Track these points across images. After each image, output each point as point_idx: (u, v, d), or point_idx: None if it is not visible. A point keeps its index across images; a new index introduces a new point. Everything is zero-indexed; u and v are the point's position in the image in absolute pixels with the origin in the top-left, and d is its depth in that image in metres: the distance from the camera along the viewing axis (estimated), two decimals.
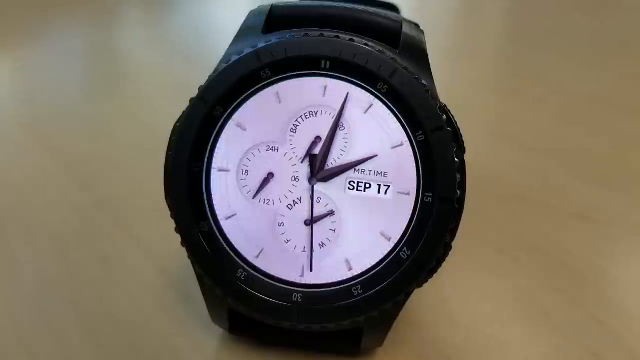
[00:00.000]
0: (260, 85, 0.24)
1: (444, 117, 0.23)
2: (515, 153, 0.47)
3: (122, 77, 0.66)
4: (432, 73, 0.25)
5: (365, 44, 0.23)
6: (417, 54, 0.24)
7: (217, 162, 0.25)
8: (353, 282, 0.24)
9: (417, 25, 0.26)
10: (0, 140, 0.49)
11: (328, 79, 0.24)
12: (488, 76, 0.69)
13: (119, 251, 0.34)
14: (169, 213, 0.38)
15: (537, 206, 0.40)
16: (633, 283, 0.33)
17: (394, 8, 0.37)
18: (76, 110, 0.55)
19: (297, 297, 0.24)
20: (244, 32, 0.25)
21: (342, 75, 0.24)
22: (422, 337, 0.29)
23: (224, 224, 0.25)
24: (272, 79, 0.24)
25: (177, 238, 0.35)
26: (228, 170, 0.25)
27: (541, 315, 0.30)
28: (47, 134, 0.50)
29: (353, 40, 0.23)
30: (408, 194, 0.24)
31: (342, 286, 0.24)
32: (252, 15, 0.26)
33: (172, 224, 0.37)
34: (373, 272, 0.24)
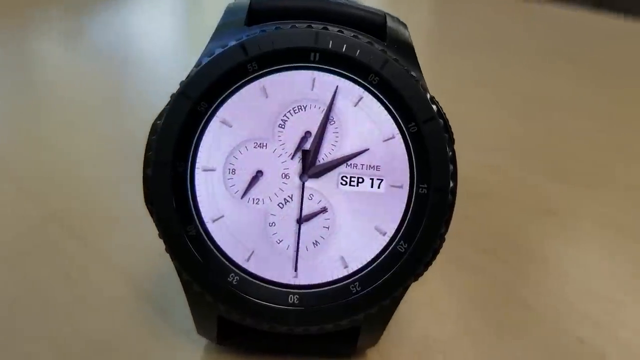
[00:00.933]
0: (246, 79, 0.23)
1: (435, 107, 0.23)
2: (476, 154, 0.48)
3: (49, 87, 0.62)
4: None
5: (355, 36, 0.23)
6: (404, 47, 0.24)
7: (201, 161, 0.23)
8: (350, 280, 0.23)
9: (398, 19, 0.26)
10: None
11: (316, 72, 0.23)
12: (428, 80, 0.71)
13: (80, 266, 0.32)
14: (125, 222, 0.36)
15: (506, 203, 0.41)
16: (605, 270, 0.34)
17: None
18: (9, 121, 0.51)
19: (293, 299, 0.23)
20: (224, 27, 0.24)
21: (330, 68, 0.23)
22: (413, 335, 0.28)
23: (211, 227, 0.23)
24: (258, 73, 0.23)
25: (139, 248, 0.33)
26: (214, 170, 0.23)
27: (524, 306, 0.31)
28: None
29: (342, 32, 0.23)
30: (401, 186, 0.24)
31: (339, 284, 0.24)
32: (231, 10, 0.25)
33: (131, 233, 0.35)
34: (370, 267, 0.24)
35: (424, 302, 0.30)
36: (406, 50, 0.24)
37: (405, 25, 0.26)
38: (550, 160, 0.48)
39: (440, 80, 0.67)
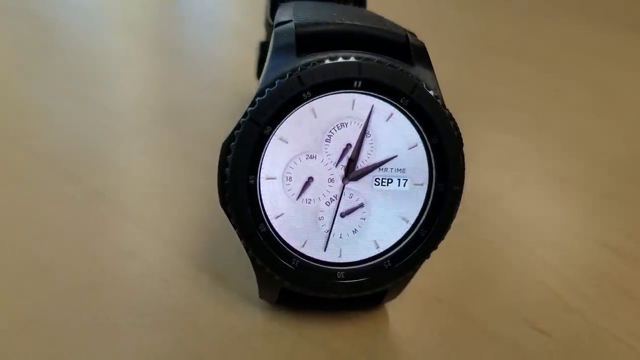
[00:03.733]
0: (300, 104, 0.28)
1: (452, 123, 0.29)
2: None
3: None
4: None
5: (390, 65, 0.28)
6: (425, 62, 0.29)
7: (264, 172, 0.29)
8: (382, 258, 0.30)
9: (414, 35, 0.31)
10: None
11: (356, 94, 0.28)
12: None
13: (137, 243, 0.37)
14: (169, 197, 0.41)
15: (476, 163, 0.48)
16: (564, 224, 0.43)
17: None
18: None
19: (341, 275, 0.30)
20: (278, 53, 0.28)
21: (368, 92, 0.28)
22: (413, 286, 0.36)
23: (274, 222, 0.29)
24: (311, 99, 0.28)
25: (187, 221, 0.39)
26: (274, 178, 0.29)
27: (495, 258, 0.39)
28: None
29: (380, 62, 0.28)
30: (422, 184, 0.30)
31: (374, 262, 0.30)
32: (280, 35, 0.29)
33: (177, 207, 0.40)
34: (397, 248, 0.30)
35: None
36: (426, 64, 0.29)
37: (420, 41, 0.31)
38: (502, 113, 0.54)
39: None
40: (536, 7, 0.78)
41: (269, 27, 0.45)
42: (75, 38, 0.66)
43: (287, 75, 0.27)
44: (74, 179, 0.42)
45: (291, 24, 0.29)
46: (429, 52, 0.30)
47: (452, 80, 0.55)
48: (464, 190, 0.30)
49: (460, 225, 0.40)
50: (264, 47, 0.50)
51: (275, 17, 0.31)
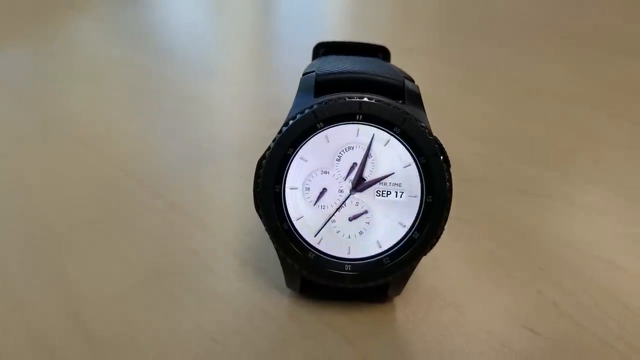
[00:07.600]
0: (315, 132, 0.36)
1: (437, 147, 0.36)
2: (474, 143, 0.60)
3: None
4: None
5: (386, 103, 0.36)
6: (417, 101, 0.37)
7: (289, 183, 0.37)
8: (383, 255, 0.37)
9: (412, 80, 0.39)
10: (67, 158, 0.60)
11: (360, 125, 0.37)
12: (440, 71, 0.82)
13: (199, 244, 0.47)
14: (230, 210, 0.51)
15: (492, 185, 0.54)
16: (567, 240, 0.47)
17: (386, 51, 0.49)
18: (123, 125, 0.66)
19: (348, 268, 0.37)
20: (301, 94, 0.37)
21: (369, 123, 0.36)
22: (421, 286, 0.42)
23: (296, 223, 0.38)
24: (323, 128, 0.36)
25: (240, 229, 0.48)
26: (296, 188, 0.37)
27: (499, 268, 0.44)
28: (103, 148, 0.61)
29: (379, 101, 0.36)
30: (415, 196, 0.37)
31: (376, 258, 0.38)
32: (304, 81, 0.38)
33: (235, 218, 0.50)
34: (395, 248, 0.37)
35: (428, 263, 0.44)
36: (418, 103, 0.37)
37: (416, 85, 0.38)
38: (531, 147, 0.59)
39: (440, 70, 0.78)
40: None
41: None
42: (170, 84, 0.80)
43: (305, 110, 0.36)
44: (158, 194, 0.54)
45: (313, 74, 0.38)
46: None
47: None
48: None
49: (468, 235, 0.46)
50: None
51: (305, 68, 0.41)
